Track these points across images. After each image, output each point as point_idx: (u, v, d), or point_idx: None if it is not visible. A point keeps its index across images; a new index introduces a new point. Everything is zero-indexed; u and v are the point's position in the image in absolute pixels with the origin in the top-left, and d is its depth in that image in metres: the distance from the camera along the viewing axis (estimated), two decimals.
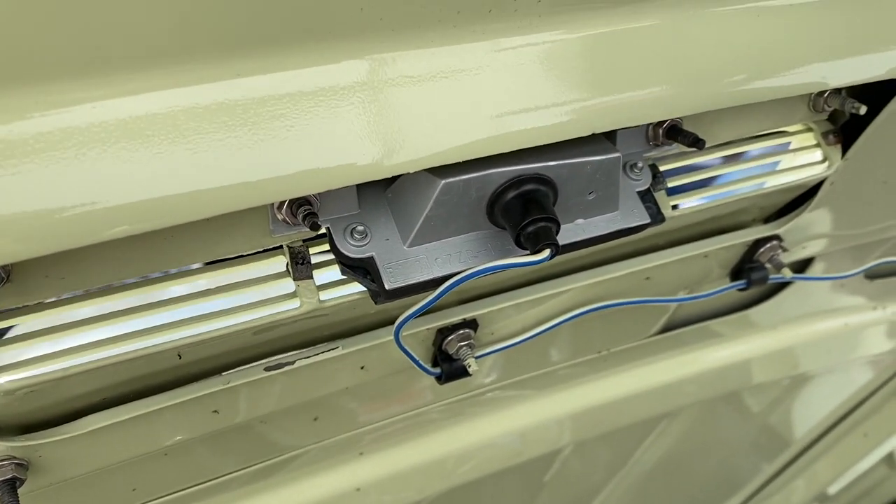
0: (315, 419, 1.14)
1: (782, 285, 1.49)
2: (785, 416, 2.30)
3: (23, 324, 0.75)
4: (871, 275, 1.65)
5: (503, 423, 1.36)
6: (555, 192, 0.81)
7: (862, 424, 2.43)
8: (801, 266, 1.42)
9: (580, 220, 0.88)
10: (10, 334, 0.76)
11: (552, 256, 0.76)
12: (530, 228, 0.77)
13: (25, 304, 0.71)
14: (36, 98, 0.54)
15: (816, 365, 1.73)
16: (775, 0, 0.84)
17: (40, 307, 0.74)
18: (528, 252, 0.77)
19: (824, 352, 1.69)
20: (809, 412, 2.33)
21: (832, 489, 2.71)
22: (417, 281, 0.80)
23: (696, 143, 0.86)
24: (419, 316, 0.90)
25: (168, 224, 0.61)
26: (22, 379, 0.75)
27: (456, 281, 0.77)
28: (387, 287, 0.79)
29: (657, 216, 0.92)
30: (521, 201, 0.79)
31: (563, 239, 0.85)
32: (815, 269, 1.41)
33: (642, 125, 0.89)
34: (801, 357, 1.64)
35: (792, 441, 2.47)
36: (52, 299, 0.73)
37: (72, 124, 0.55)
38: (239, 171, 0.62)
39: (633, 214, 0.90)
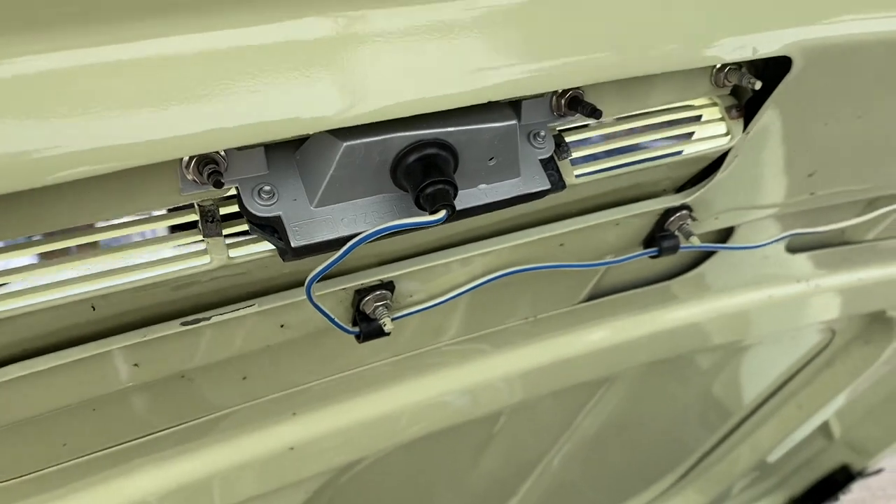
0: (244, 378, 1.18)
1: (705, 256, 1.56)
2: (722, 387, 2.39)
3: None
4: (793, 248, 1.73)
5: (432, 383, 1.42)
6: (455, 157, 0.86)
7: (796, 396, 2.54)
8: (724, 236, 1.49)
9: (483, 185, 0.93)
10: None
11: (448, 217, 0.81)
12: (429, 190, 0.81)
13: None
14: None
15: (740, 336, 1.80)
16: None
17: None
18: (426, 213, 0.82)
19: (747, 323, 1.77)
20: (745, 383, 2.42)
21: (772, 457, 2.82)
22: (323, 240, 0.84)
23: (594, 114, 0.92)
24: (337, 277, 0.94)
25: (74, 177, 0.65)
26: None
27: (360, 239, 0.82)
28: (293, 245, 0.83)
29: (559, 183, 0.97)
30: (422, 165, 0.84)
31: (464, 203, 0.90)
32: (736, 240, 1.48)
33: (546, 95, 0.94)
34: (725, 327, 1.72)
35: (730, 411, 2.57)
36: None
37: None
38: (143, 127, 0.66)
39: (535, 181, 0.95)
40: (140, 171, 0.70)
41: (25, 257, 0.80)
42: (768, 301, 1.79)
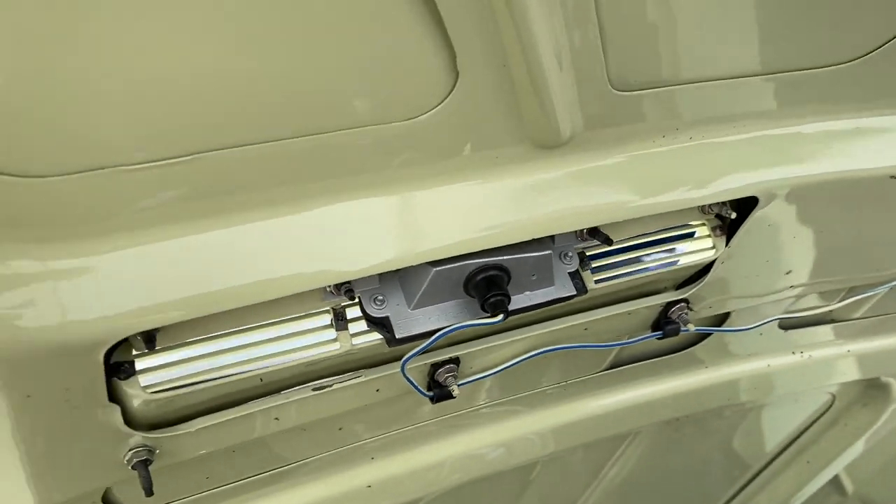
0: (339, 429, 1.55)
1: (705, 334, 1.90)
2: (736, 443, 2.68)
3: (160, 357, 1.18)
4: (786, 326, 2.06)
5: (488, 435, 1.77)
6: (508, 275, 1.24)
7: (804, 452, 2.81)
8: (722, 318, 1.83)
9: (527, 292, 1.30)
10: (151, 363, 1.18)
11: (504, 319, 1.19)
12: (491, 300, 1.19)
13: (165, 346, 1.14)
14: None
15: (739, 399, 2.12)
16: (658, 148, 1.27)
17: (174, 347, 1.17)
18: (489, 315, 1.20)
19: (747, 388, 2.09)
20: (756, 440, 2.71)
21: None
22: (417, 332, 1.22)
23: (606, 241, 1.29)
24: (419, 355, 1.33)
25: (262, 300, 1.04)
26: (158, 393, 1.17)
27: (443, 333, 1.20)
28: (397, 336, 1.21)
29: (582, 289, 1.34)
30: (485, 281, 1.21)
31: (514, 305, 1.27)
32: (731, 323, 1.82)
33: None
34: (722, 392, 2.04)
35: (747, 464, 2.85)
36: (179, 343, 1.16)
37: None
38: (318, 265, 1.06)
39: (565, 288, 1.33)
40: None
41: (218, 344, 1.19)
42: (766, 369, 2.12)
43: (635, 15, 1.07)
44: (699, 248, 1.50)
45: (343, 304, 1.24)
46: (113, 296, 0.98)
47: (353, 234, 1.08)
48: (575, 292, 1.33)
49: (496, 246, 1.19)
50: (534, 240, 1.23)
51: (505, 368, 1.49)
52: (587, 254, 1.40)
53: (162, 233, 0.99)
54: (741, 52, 1.22)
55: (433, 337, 1.20)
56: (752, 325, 1.73)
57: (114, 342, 1.01)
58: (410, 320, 1.23)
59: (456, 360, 1.44)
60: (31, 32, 0.77)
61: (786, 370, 2.16)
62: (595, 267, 1.41)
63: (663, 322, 1.61)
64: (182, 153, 0.94)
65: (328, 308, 1.23)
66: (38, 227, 0.93)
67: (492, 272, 1.22)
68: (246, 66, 0.89)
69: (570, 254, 1.35)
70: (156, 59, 0.85)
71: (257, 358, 1.20)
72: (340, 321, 1.24)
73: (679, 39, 1.16)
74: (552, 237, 1.31)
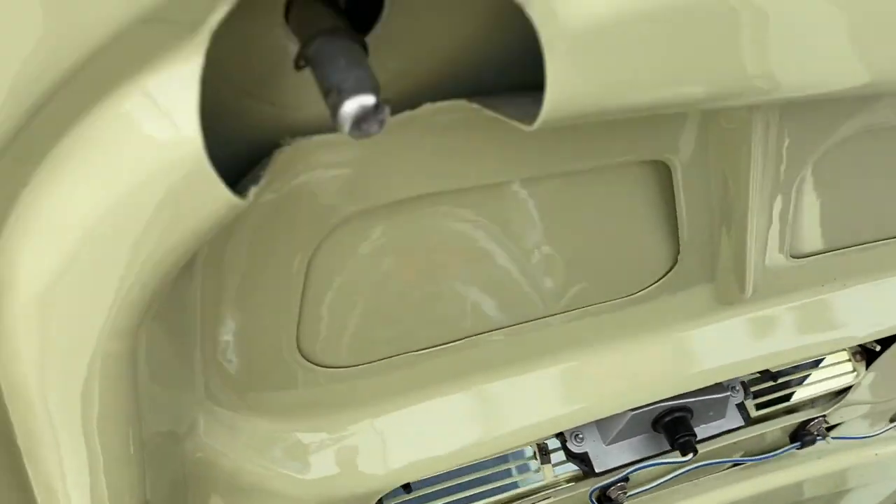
0: None
1: None
2: None
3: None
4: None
5: None
6: (693, 414, 1.40)
7: None
8: None
9: (703, 425, 1.46)
10: None
11: (693, 456, 1.35)
12: (681, 440, 1.35)
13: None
14: None
15: (849, 485, 2.25)
16: (819, 296, 1.44)
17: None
18: (678, 452, 1.36)
19: (860, 474, 2.22)
20: None
21: None
22: (614, 466, 1.39)
23: (773, 378, 1.45)
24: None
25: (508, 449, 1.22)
26: None
27: (638, 467, 1.36)
28: (595, 470, 1.38)
29: (749, 420, 1.50)
30: (673, 422, 1.38)
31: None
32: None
33: None
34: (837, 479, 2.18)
35: None
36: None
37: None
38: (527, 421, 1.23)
39: (734, 419, 1.49)
40: None
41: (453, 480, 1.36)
42: (874, 457, 2.25)
43: (820, 195, 1.24)
44: (840, 372, 1.66)
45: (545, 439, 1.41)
46: (392, 452, 1.15)
47: (585, 390, 1.25)
48: (743, 423, 1.49)
49: (685, 391, 1.36)
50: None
51: (668, 480, 1.64)
52: (749, 387, 1.56)
53: (433, 395, 1.17)
54: None
55: (629, 470, 1.36)
56: (881, 430, 1.87)
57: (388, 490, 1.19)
58: (607, 455, 1.39)
59: (626, 478, 1.60)
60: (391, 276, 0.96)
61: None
62: (754, 392, 1.57)
63: (801, 434, 1.76)
64: (461, 336, 1.12)
65: (534, 443, 1.40)
66: (336, 407, 1.11)
67: (680, 413, 1.38)
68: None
69: (736, 387, 1.51)
70: (449, 272, 1.04)
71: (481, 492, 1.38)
72: (544, 455, 1.41)
73: (847, 212, 1.33)
74: None
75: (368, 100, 0.51)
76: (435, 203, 0.89)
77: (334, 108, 0.52)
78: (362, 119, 0.52)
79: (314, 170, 0.74)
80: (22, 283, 0.56)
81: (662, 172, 1.01)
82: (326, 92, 0.53)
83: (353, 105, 0.51)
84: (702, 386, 1.37)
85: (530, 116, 0.60)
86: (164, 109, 0.49)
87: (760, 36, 0.58)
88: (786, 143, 1.02)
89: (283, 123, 0.67)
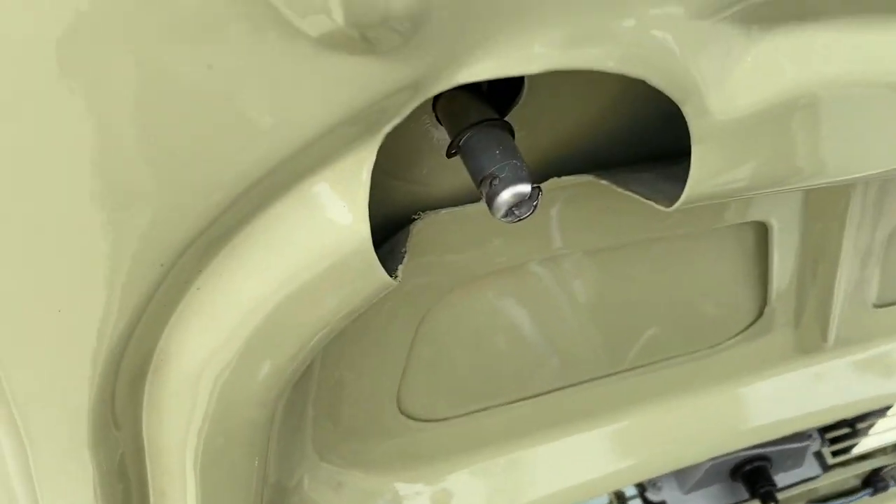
0: None
1: None
2: None
3: None
4: None
5: None
6: (771, 463, 1.39)
7: None
8: None
9: (781, 473, 1.45)
10: None
11: None
12: (761, 491, 1.34)
13: None
14: None
15: None
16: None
17: None
18: (759, 501, 1.35)
19: None
20: None
21: None
22: None
23: (850, 425, 1.44)
24: None
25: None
26: None
27: None
28: None
29: (826, 468, 1.48)
30: (753, 472, 1.37)
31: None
32: None
33: None
34: None
35: None
36: None
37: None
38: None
39: (812, 468, 1.47)
40: None
41: None
42: None
43: None
44: None
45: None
46: (481, 500, 1.16)
47: (666, 439, 1.26)
48: (821, 472, 1.47)
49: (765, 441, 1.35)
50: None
51: None
52: (824, 435, 1.54)
53: (520, 446, 1.18)
54: None
55: None
56: None
57: None
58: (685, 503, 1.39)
59: None
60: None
61: None
62: (829, 439, 1.56)
63: (874, 480, 1.73)
64: (539, 392, 1.13)
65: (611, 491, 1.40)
66: (431, 459, 1.13)
67: (759, 462, 1.37)
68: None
69: (813, 434, 1.49)
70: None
71: None
72: (622, 502, 1.41)
73: None
74: None
75: (524, 189, 0.54)
76: (541, 264, 0.91)
77: (491, 197, 0.54)
78: (517, 206, 0.55)
79: (440, 241, 0.77)
80: (187, 355, 0.60)
81: (760, 231, 1.03)
82: (480, 180, 0.56)
83: (509, 194, 0.54)
84: (782, 435, 1.36)
85: (662, 194, 0.62)
86: (340, 201, 0.52)
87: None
88: (884, 199, 1.03)
89: (418, 198, 0.70)
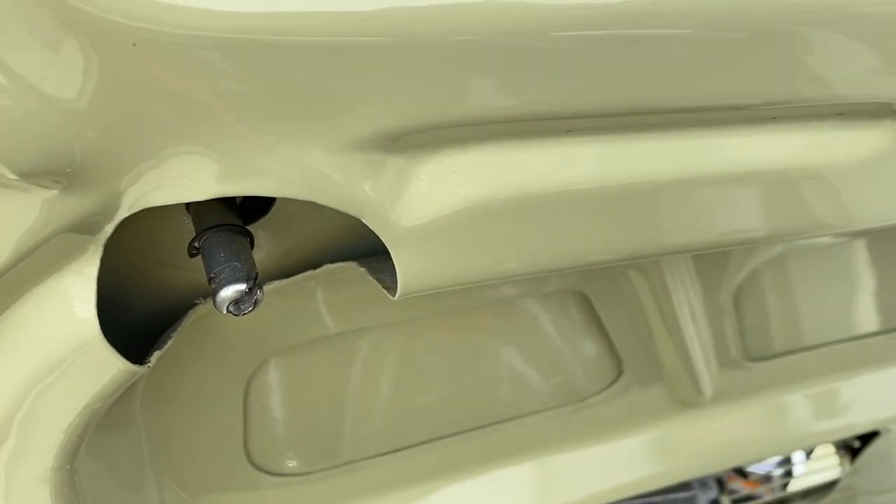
0: None
1: None
2: None
3: None
4: None
5: None
6: None
7: None
8: None
9: None
10: None
11: None
12: None
13: None
14: None
15: None
16: (787, 396, 1.46)
17: None
18: None
19: None
20: None
21: None
22: None
23: (741, 474, 1.47)
24: None
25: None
26: None
27: None
28: None
29: None
30: None
31: None
32: None
33: None
34: None
35: None
36: None
37: None
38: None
39: None
40: None
41: None
42: None
43: (768, 306, 1.30)
44: (825, 466, 1.65)
45: None
46: None
47: (547, 491, 1.31)
48: None
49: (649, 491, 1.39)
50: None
51: None
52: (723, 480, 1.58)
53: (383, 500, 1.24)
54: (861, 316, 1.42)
55: None
56: None
57: None
58: None
59: None
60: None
61: None
62: (730, 489, 1.59)
63: None
64: (413, 443, 1.20)
65: None
66: None
67: None
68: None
69: (709, 483, 1.53)
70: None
71: None
72: None
73: (799, 317, 1.37)
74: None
75: (239, 287, 0.62)
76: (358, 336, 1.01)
77: (213, 295, 0.63)
78: (238, 301, 0.63)
79: (229, 322, 0.86)
80: None
81: (587, 299, 1.10)
82: (209, 280, 0.64)
83: (227, 292, 0.62)
84: (664, 485, 1.40)
85: (394, 284, 0.70)
86: (72, 300, 0.61)
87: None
88: (704, 268, 1.09)
89: (199, 285, 0.79)
